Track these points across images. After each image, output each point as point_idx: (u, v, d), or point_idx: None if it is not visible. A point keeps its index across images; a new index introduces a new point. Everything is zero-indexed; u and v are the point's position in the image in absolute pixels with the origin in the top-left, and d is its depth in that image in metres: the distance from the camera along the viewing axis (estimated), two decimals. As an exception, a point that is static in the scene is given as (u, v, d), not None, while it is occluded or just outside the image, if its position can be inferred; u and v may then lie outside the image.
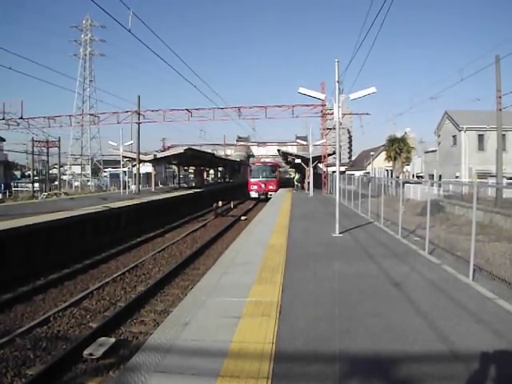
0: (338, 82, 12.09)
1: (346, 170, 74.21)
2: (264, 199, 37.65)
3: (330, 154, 40.07)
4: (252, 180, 41.60)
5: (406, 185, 26.43)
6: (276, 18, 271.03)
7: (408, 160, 40.18)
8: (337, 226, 12.71)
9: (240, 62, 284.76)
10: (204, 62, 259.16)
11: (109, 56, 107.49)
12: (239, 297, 6.61)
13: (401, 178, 35.90)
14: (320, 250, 10.51)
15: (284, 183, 52.98)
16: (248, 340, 4.87)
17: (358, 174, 44.76)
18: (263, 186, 40.60)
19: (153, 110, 36.28)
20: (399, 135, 40.94)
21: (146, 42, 14.07)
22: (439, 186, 25.93)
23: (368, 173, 59.00)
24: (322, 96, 13.64)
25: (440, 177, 40.78)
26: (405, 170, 43.89)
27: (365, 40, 12.22)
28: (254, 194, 41.10)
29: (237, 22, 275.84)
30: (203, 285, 7.57)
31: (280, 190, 41.12)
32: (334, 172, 31.55)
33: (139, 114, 35.20)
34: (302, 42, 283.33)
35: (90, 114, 43.18)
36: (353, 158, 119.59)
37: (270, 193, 39.32)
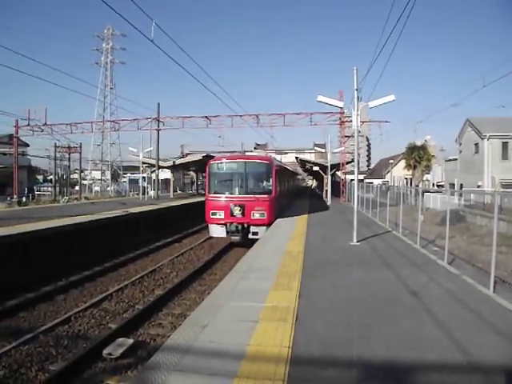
0: (356, 89, 12.12)
1: (365, 178, 73.78)
2: (239, 241, 17.58)
3: (348, 162, 37.96)
4: (213, 198, 18.35)
5: (425, 194, 26.15)
6: (295, 26, 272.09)
7: (428, 168, 39.63)
8: (354, 234, 12.66)
9: (259, 71, 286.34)
10: (223, 70, 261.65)
11: (129, 64, 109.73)
12: (256, 302, 6.67)
13: (420, 186, 35.50)
14: (337, 257, 10.49)
15: (300, 195, 45.53)
16: (265, 343, 4.92)
17: (376, 182, 44.43)
18: (238, 211, 17.60)
19: (172, 117, 36.73)
20: (419, 143, 40.49)
21: (166, 50, 14.35)
22: (460, 195, 25.54)
23: (387, 181, 58.54)
24: (341, 104, 13.66)
25: (461, 186, 40.15)
26: (425, 178, 43.33)
27: (384, 47, 12.22)
28: (216, 231, 18.33)
29: (256, 30, 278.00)
30: (221, 289, 7.66)
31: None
32: (353, 180, 31.41)
33: (159, 120, 35.70)
34: (321, 50, 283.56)
35: (111, 121, 43.96)
36: (371, 166, 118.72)
37: (253, 227, 17.69)
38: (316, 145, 69.14)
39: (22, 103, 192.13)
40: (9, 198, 39.07)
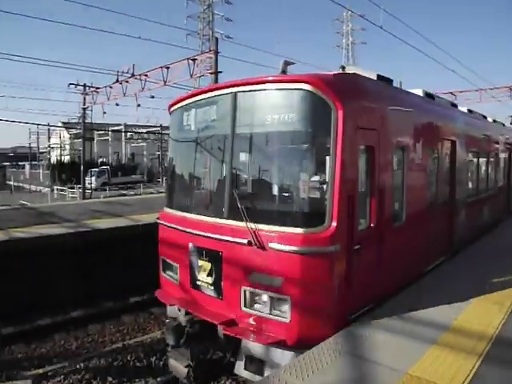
0: None
1: None
2: (186, 378, 5.77)
3: None
4: (167, 223, 6.58)
5: None
6: None
7: None
8: None
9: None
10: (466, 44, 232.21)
11: (370, 44, 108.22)
12: (475, 283, 6.75)
13: None
14: None
15: None
16: (472, 321, 5.21)
17: None
18: (205, 277, 5.64)
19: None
20: None
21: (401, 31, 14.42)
22: None
23: None
24: None
25: None
26: None
27: None
28: (169, 323, 6.36)
29: None
30: (438, 271, 7.73)
31: None
32: None
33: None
34: None
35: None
36: None
37: (250, 344, 5.08)
38: None
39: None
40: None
